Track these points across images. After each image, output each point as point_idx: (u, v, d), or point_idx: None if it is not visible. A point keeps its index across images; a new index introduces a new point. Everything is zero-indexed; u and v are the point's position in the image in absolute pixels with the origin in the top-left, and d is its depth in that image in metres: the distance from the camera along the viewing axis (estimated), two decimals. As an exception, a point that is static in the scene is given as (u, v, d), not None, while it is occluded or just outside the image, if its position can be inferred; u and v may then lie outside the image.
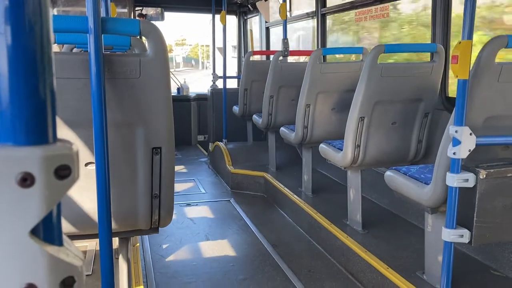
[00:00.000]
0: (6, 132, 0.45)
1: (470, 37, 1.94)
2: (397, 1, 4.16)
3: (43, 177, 0.45)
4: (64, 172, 0.46)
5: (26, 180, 0.44)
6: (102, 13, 2.23)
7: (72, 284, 0.47)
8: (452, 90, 3.29)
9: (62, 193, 0.46)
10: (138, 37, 2.29)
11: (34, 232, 0.46)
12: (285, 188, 4.22)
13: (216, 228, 3.89)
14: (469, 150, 2.00)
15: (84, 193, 1.70)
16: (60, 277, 0.47)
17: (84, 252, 2.94)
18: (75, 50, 3.06)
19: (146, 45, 1.83)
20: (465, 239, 2.07)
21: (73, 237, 1.80)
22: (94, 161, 1.61)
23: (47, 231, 0.47)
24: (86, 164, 1.71)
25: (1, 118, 0.45)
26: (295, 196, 4.01)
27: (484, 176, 2.01)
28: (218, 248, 3.43)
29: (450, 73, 3.24)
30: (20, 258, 0.45)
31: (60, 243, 0.48)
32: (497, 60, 2.09)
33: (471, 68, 2.01)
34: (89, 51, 1.56)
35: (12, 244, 0.45)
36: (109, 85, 1.66)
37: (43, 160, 0.45)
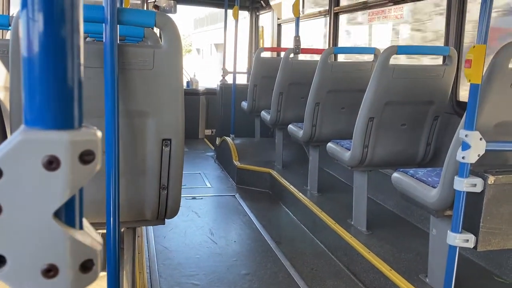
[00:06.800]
0: (34, 116, 0.46)
1: (484, 41, 1.93)
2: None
3: (68, 161, 0.46)
4: (89, 157, 0.47)
5: (52, 163, 0.45)
6: (117, 4, 2.25)
7: (91, 267, 0.48)
8: (463, 93, 3.28)
9: (85, 178, 0.47)
10: (151, 28, 2.30)
11: (56, 214, 0.47)
12: (291, 186, 4.22)
13: (220, 223, 3.91)
14: (478, 155, 1.99)
15: (92, 182, 1.71)
16: (80, 259, 0.48)
17: None
18: (88, 39, 3.07)
19: (159, 37, 1.84)
20: (470, 244, 2.07)
21: None
22: (104, 150, 1.62)
23: (69, 214, 0.48)
24: None
25: (30, 102, 0.46)
26: (300, 194, 4.01)
27: (492, 181, 2.00)
28: (222, 242, 3.45)
29: (462, 77, 3.23)
30: (43, 239, 0.46)
31: (81, 227, 0.49)
32: (511, 65, 2.08)
33: (484, 73, 2.01)
34: (104, 41, 1.57)
35: (35, 225, 0.46)
36: (122, 75, 1.67)
37: (69, 144, 0.45)
